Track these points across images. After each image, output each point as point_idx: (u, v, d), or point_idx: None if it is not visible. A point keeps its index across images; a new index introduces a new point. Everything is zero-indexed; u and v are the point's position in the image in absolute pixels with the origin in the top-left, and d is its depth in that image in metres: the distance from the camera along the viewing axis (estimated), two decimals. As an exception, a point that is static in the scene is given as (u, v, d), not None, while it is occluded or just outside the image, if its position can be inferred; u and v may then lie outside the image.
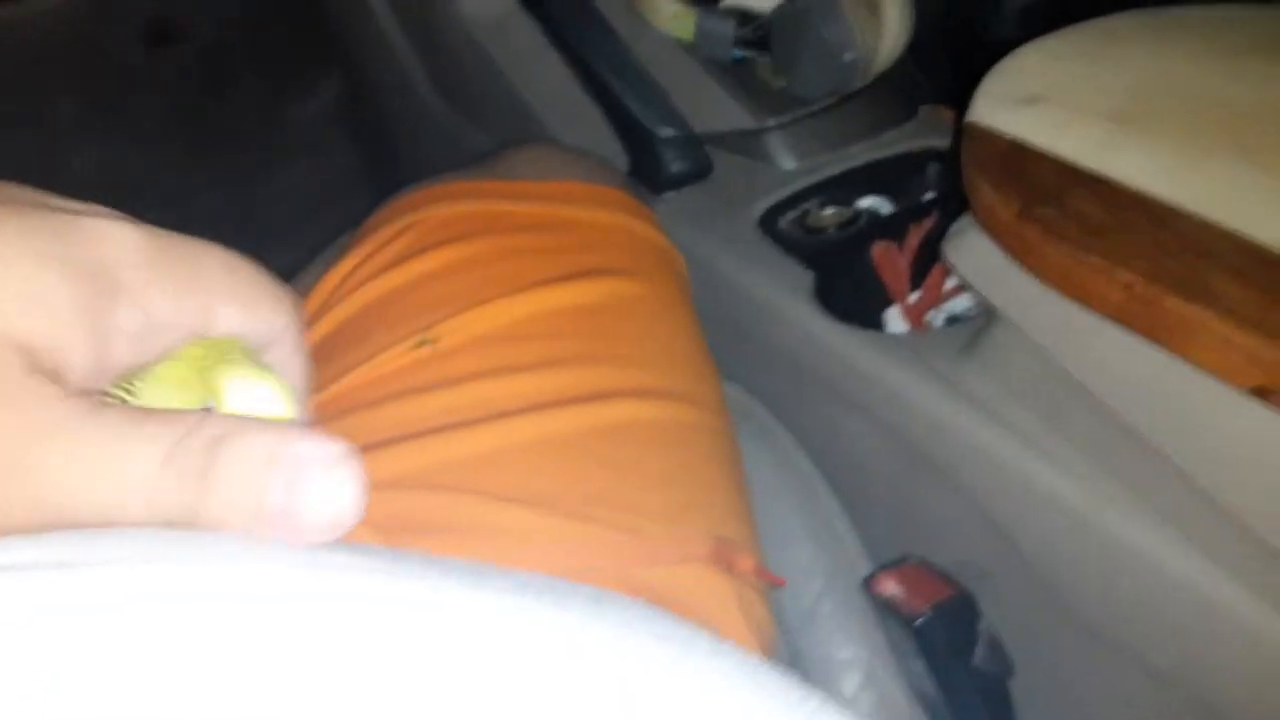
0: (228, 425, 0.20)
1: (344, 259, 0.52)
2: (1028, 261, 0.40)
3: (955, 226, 0.50)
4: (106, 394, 0.22)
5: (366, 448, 0.41)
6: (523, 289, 0.48)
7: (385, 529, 0.37)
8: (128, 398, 0.22)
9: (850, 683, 0.58)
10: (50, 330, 0.20)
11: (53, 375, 0.20)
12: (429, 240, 0.51)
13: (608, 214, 0.55)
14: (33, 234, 0.21)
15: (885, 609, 0.54)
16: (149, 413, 0.20)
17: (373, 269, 0.51)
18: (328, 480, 0.20)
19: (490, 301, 0.47)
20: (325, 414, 0.44)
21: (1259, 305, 0.34)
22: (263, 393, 0.23)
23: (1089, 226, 0.38)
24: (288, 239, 1.08)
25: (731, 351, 0.60)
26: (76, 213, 0.22)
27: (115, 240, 0.22)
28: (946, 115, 0.75)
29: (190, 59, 1.29)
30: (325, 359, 0.47)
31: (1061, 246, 0.38)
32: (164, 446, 0.19)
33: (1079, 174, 0.40)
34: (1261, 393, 0.34)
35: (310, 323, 0.50)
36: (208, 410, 0.22)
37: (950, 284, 0.66)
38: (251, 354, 0.24)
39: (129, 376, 0.22)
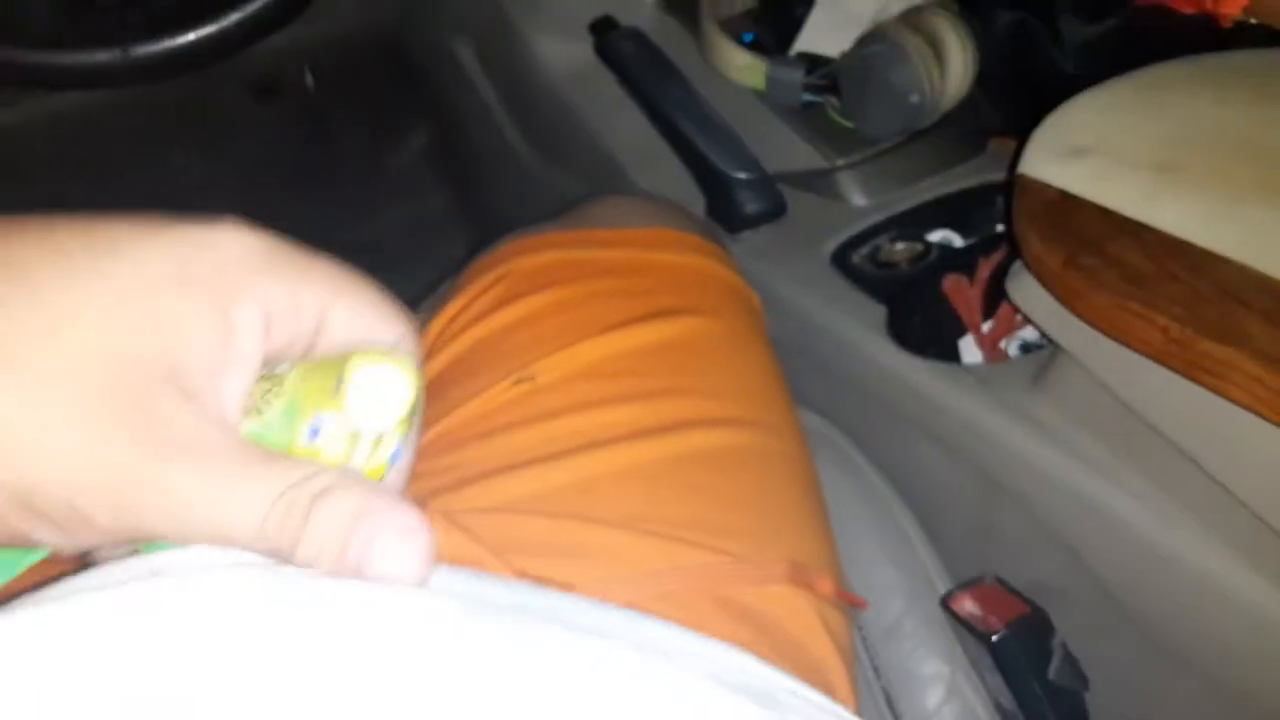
0: (334, 478, 0.24)
1: (446, 306, 0.57)
2: (1075, 307, 0.42)
3: (1016, 265, 0.52)
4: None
5: (478, 476, 0.45)
6: (609, 329, 0.52)
7: (497, 550, 0.41)
8: (265, 407, 0.26)
9: (934, 696, 0.60)
10: (179, 348, 0.23)
11: (192, 394, 0.23)
12: (522, 288, 0.55)
13: (685, 257, 0.59)
14: (152, 257, 0.24)
15: (963, 626, 0.56)
16: (276, 455, 0.24)
17: (473, 315, 0.55)
18: (399, 545, 0.23)
19: (580, 341, 0.51)
20: (438, 447, 0.48)
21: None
22: (387, 372, 0.25)
23: (1129, 274, 0.40)
24: (388, 278, 1.14)
25: (809, 382, 0.63)
26: (196, 226, 0.25)
27: (231, 242, 0.25)
28: (1015, 148, 0.77)
29: (293, 111, 1.36)
30: (435, 396, 0.52)
31: (1103, 294, 0.40)
32: (280, 486, 0.23)
33: (1122, 223, 0.42)
34: (1296, 429, 0.36)
35: (421, 363, 0.54)
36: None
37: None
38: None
39: (263, 393, 0.26)
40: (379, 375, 0.25)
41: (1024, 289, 0.50)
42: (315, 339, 0.26)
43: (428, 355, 0.55)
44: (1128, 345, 0.40)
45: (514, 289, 0.55)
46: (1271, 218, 0.40)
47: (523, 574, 0.39)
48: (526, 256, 0.58)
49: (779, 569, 0.45)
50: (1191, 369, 0.38)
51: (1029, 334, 0.69)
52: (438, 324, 0.56)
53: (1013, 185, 0.47)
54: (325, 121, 1.41)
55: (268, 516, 0.23)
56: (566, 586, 0.38)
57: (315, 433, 0.25)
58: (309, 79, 1.32)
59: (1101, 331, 0.41)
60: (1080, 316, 0.42)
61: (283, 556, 0.23)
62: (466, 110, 1.11)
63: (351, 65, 1.31)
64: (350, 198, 1.33)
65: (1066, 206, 0.44)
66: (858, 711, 0.38)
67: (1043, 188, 0.45)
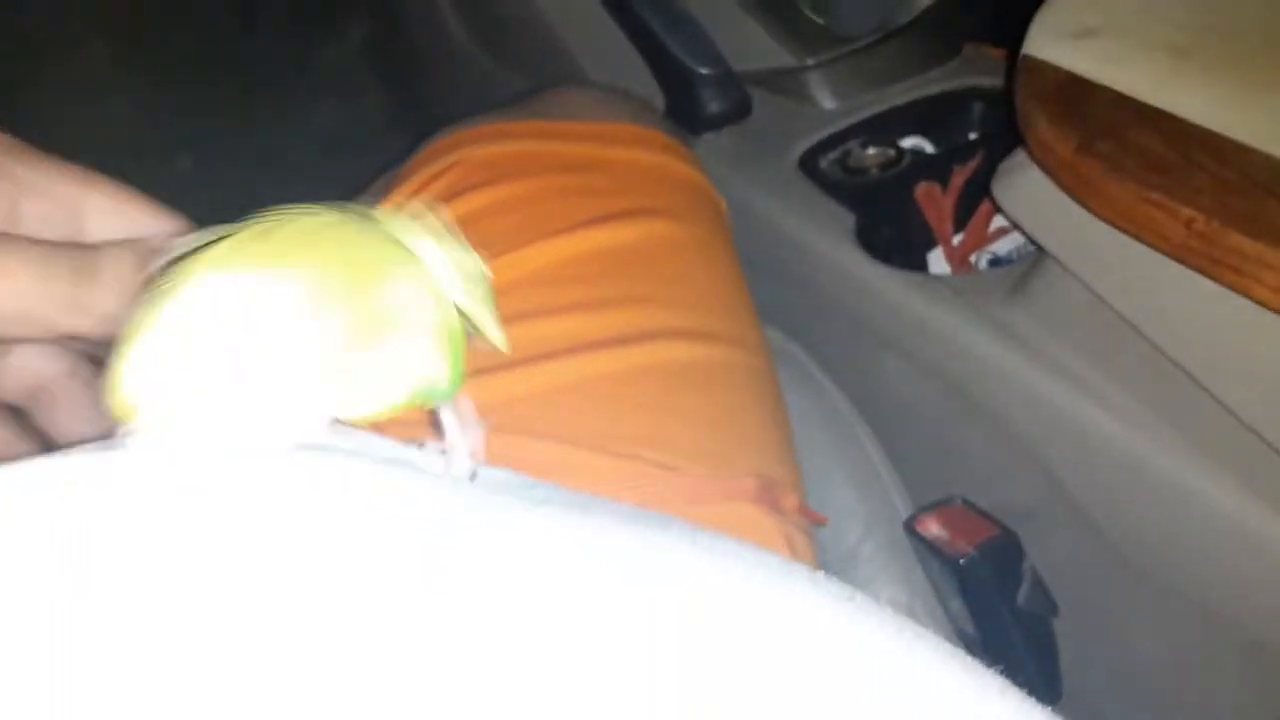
0: None
1: (390, 196, 0.52)
2: (1086, 198, 0.39)
3: (1005, 164, 0.49)
4: None
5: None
6: (564, 230, 0.48)
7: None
8: None
9: (889, 623, 0.59)
10: None
11: None
12: (470, 181, 0.51)
13: (648, 154, 0.55)
14: None
15: (928, 549, 0.54)
16: None
17: None
18: None
19: (532, 244, 0.47)
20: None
21: (1327, 243, 0.33)
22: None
23: (1150, 162, 0.37)
24: (317, 179, 1.08)
25: (771, 295, 0.59)
26: None
27: None
28: (992, 54, 0.74)
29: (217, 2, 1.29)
30: None
31: (1122, 183, 0.37)
32: None
33: (1139, 108, 0.39)
34: (1325, 331, 0.33)
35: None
36: None
37: (994, 226, 0.65)
38: None
39: None
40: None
41: (1014, 186, 0.47)
42: (76, 227, 0.26)
43: None
44: (1144, 240, 0.37)
45: (462, 181, 0.51)
46: (1304, 106, 0.37)
47: None
48: (475, 147, 0.53)
49: (746, 485, 0.43)
50: (1215, 266, 0.35)
51: (1000, 248, 0.66)
52: (378, 216, 0.52)
53: (1014, 74, 0.43)
54: (255, 11, 1.33)
55: None
56: None
57: None
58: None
59: (1113, 225, 0.38)
60: (1090, 209, 0.39)
61: None
62: (409, 1, 1.04)
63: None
64: (280, 95, 1.26)
65: (1077, 89, 0.40)
66: None
67: (1050, 69, 0.41)
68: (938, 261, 0.67)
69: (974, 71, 0.73)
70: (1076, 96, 0.40)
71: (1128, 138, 0.38)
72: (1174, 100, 0.38)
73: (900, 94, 0.72)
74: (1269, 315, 0.35)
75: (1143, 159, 0.37)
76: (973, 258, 0.66)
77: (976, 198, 0.65)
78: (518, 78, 0.92)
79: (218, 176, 1.12)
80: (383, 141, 1.19)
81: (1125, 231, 0.38)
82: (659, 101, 0.76)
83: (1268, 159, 0.36)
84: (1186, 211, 0.35)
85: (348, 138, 1.23)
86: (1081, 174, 0.38)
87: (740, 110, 0.73)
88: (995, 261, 0.65)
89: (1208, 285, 0.37)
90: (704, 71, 0.73)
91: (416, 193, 0.52)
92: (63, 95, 1.18)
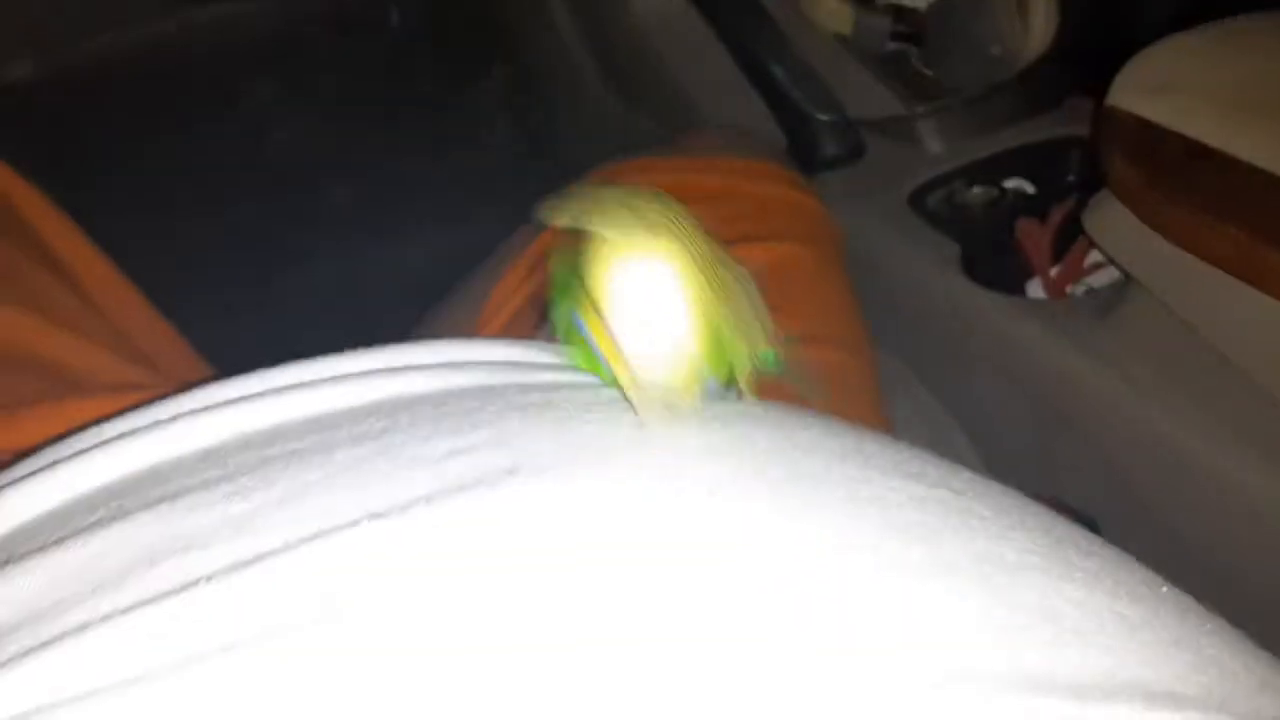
0: None
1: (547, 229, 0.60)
2: (1153, 222, 0.46)
3: (1094, 199, 0.56)
4: None
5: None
6: None
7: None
8: None
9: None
10: None
11: None
12: None
13: (777, 188, 0.62)
14: None
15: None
16: None
17: None
18: None
19: None
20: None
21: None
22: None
23: (1205, 192, 0.44)
24: (462, 213, 1.18)
25: (877, 319, 0.66)
26: None
27: None
28: (1091, 107, 0.79)
29: (371, 48, 1.39)
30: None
31: (1181, 208, 0.44)
32: None
33: (1201, 149, 0.46)
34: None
35: (532, 269, 0.58)
36: None
37: (1090, 261, 0.71)
38: None
39: None
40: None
41: (1100, 218, 0.54)
42: None
43: (536, 263, 0.58)
44: (1201, 257, 0.44)
45: None
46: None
47: None
48: (621, 179, 0.61)
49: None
50: (1260, 278, 0.42)
51: (1094, 280, 0.71)
52: (545, 235, 0.60)
53: (1099, 121, 0.50)
54: (403, 59, 1.44)
55: None
56: None
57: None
58: (394, 16, 1.35)
59: (1177, 244, 0.45)
60: (1156, 229, 0.46)
61: None
62: (546, 49, 1.13)
63: (435, 2, 1.34)
64: (426, 139, 1.36)
65: (1150, 134, 0.47)
66: None
67: (1128, 117, 0.48)
68: (1036, 291, 0.72)
69: (1075, 121, 0.78)
70: (1149, 139, 0.47)
71: (1188, 173, 0.45)
72: (1230, 143, 0.45)
73: (1004, 141, 0.78)
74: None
75: (1199, 189, 0.44)
76: (1069, 289, 0.72)
77: (1074, 234, 0.70)
78: (648, 123, 1.00)
79: (370, 204, 1.24)
80: (522, 181, 1.28)
81: (1185, 249, 0.45)
82: (780, 145, 0.84)
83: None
84: (1231, 230, 0.42)
85: (488, 178, 1.32)
86: (1149, 203, 0.45)
87: (855, 152, 0.80)
88: (1090, 293, 0.71)
89: (1268, 301, 0.43)
90: (823, 118, 0.80)
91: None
92: (233, 132, 1.31)
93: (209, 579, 0.19)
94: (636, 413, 0.23)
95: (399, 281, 1.01)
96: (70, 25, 1.22)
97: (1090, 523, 0.57)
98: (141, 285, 0.59)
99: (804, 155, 0.81)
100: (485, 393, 0.25)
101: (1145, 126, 0.47)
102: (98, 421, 0.26)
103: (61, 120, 1.19)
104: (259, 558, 0.20)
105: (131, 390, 0.41)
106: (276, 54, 1.37)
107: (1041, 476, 0.65)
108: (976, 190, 0.75)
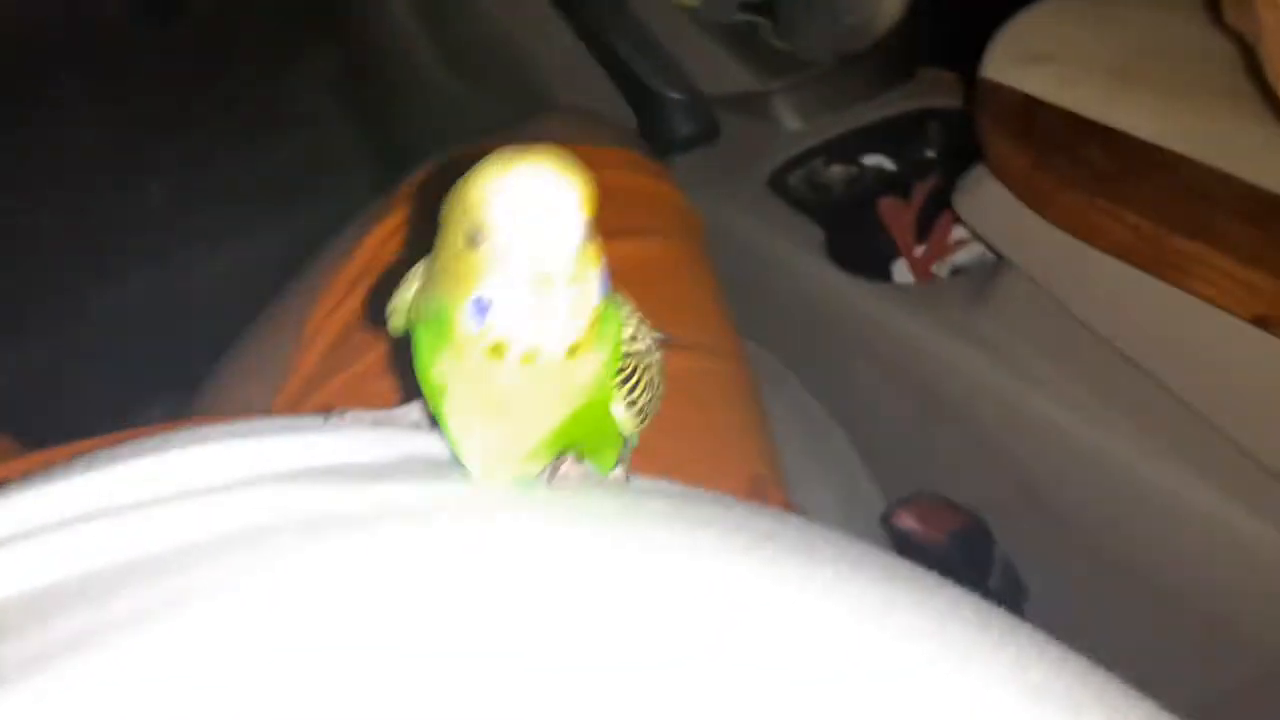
0: None
1: (381, 222, 0.54)
2: (1041, 208, 0.42)
3: (965, 179, 0.53)
4: None
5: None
6: None
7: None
8: None
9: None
10: None
11: None
12: None
13: (632, 176, 0.57)
14: None
15: (904, 541, 0.57)
16: None
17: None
18: None
19: None
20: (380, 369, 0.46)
21: (1260, 242, 0.37)
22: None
23: (1098, 174, 0.41)
24: (287, 207, 1.10)
25: (744, 308, 0.62)
26: None
27: None
28: (944, 77, 0.78)
29: (189, 32, 1.29)
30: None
31: (1073, 193, 0.41)
32: None
33: (1087, 125, 0.43)
34: (1262, 321, 0.37)
35: (355, 282, 0.52)
36: None
37: (955, 237, 0.69)
38: None
39: None
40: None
41: (975, 199, 0.50)
42: None
43: (360, 276, 0.52)
44: (1095, 245, 0.41)
45: None
46: (1231, 119, 0.40)
47: None
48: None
49: (736, 484, 0.45)
50: (1159, 266, 0.39)
51: (960, 258, 0.70)
52: (371, 242, 0.54)
53: (973, 96, 0.47)
54: (220, 46, 1.34)
55: None
56: None
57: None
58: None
59: (1068, 232, 0.42)
60: (1047, 217, 0.42)
61: None
62: (377, 30, 1.06)
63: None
64: (245, 129, 1.26)
65: (1031, 109, 0.44)
66: None
67: (1007, 91, 0.45)
68: (902, 271, 0.70)
69: (928, 93, 0.77)
70: (1031, 115, 0.44)
71: (1077, 152, 0.42)
72: (1118, 117, 0.42)
73: (860, 115, 0.75)
74: (1210, 310, 0.39)
75: (1091, 171, 0.41)
76: (935, 267, 0.70)
77: (936, 211, 0.68)
78: (489, 106, 0.94)
79: (188, 203, 1.13)
80: (350, 173, 1.20)
81: (1078, 237, 0.41)
82: (630, 126, 0.79)
83: (1206, 169, 0.39)
84: (1131, 217, 0.39)
85: (317, 166, 1.24)
86: (1036, 187, 0.42)
87: (709, 132, 0.76)
88: (956, 271, 0.69)
89: (1154, 284, 0.41)
90: (674, 95, 0.76)
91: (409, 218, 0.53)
92: (39, 128, 1.18)
93: None
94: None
95: (220, 289, 0.92)
96: None
97: (979, 521, 0.55)
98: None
99: (656, 137, 0.77)
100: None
101: (1026, 101, 0.44)
102: None
103: None
104: None
105: None
106: (83, 43, 1.25)
107: (924, 469, 0.63)
108: (836, 169, 0.72)
